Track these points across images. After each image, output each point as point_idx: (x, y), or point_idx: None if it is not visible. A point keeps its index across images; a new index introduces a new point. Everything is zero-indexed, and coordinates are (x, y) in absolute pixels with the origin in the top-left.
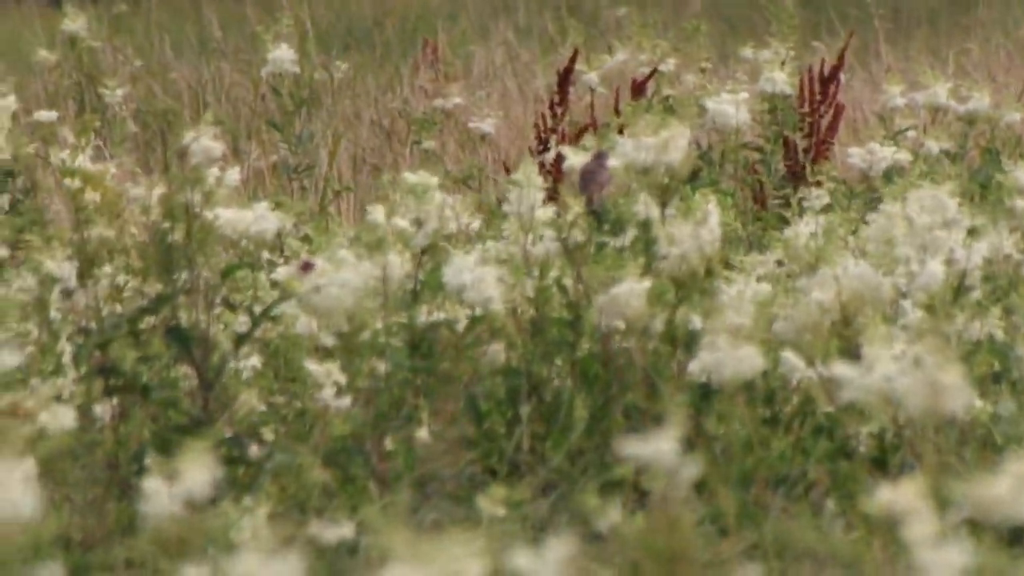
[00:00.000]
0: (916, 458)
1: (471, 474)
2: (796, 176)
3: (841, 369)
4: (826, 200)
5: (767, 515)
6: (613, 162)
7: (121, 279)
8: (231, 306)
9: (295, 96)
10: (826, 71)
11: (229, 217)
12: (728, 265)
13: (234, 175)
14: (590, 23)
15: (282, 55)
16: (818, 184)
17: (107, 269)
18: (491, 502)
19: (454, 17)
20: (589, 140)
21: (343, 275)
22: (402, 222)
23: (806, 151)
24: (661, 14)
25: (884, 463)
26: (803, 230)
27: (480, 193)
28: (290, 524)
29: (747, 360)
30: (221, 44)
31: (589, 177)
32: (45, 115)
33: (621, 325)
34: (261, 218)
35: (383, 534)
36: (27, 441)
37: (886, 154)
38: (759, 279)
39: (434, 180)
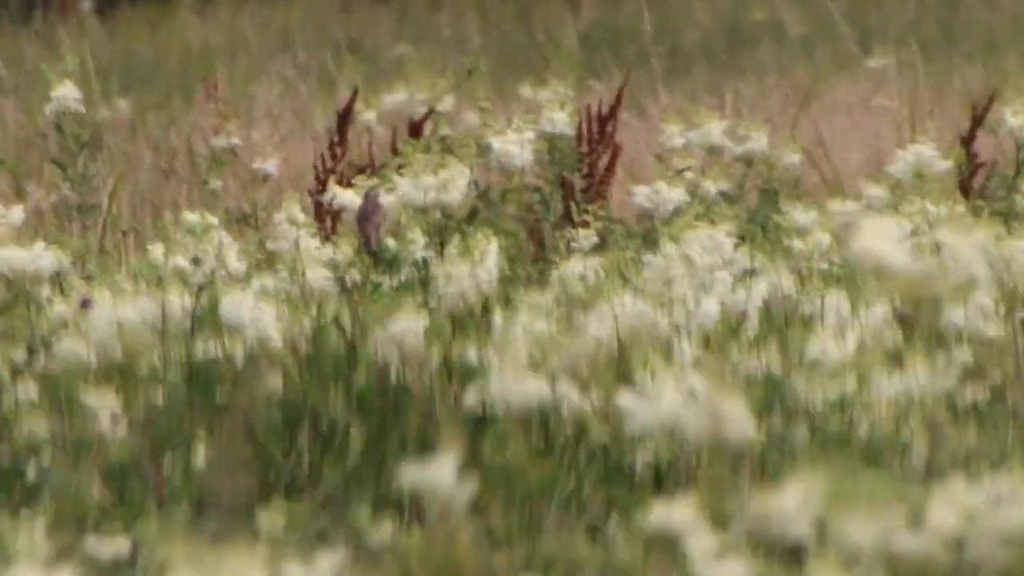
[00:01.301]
0: (692, 479)
1: (249, 493)
2: (572, 217)
3: (627, 400)
4: (595, 240)
5: (542, 531)
6: (385, 200)
7: None
8: (11, 341)
9: (78, 136)
10: (604, 111)
11: (6, 255)
12: (508, 303)
13: (19, 213)
14: (370, 61)
15: (67, 93)
16: (585, 225)
17: None
18: (270, 518)
19: (234, 55)
20: (365, 180)
21: (120, 311)
22: (181, 260)
23: (584, 191)
24: (441, 52)
25: (660, 483)
26: (571, 270)
27: (261, 232)
28: (67, 539)
29: (533, 390)
30: (3, 82)
31: (365, 217)
32: None
33: (398, 359)
34: (39, 257)
35: (161, 547)
36: None
37: (673, 195)
38: (538, 316)
39: (214, 220)
